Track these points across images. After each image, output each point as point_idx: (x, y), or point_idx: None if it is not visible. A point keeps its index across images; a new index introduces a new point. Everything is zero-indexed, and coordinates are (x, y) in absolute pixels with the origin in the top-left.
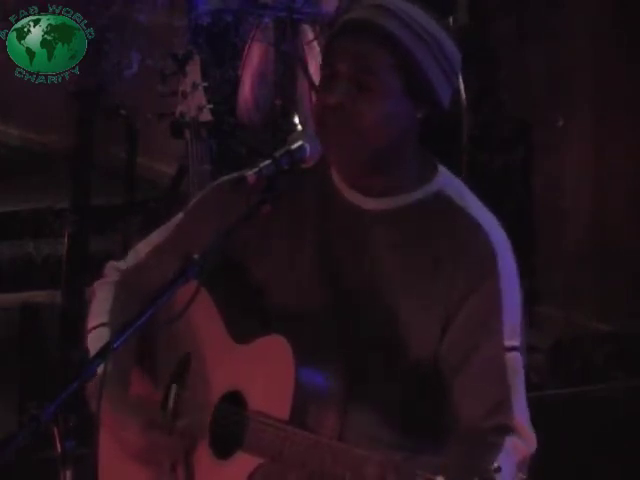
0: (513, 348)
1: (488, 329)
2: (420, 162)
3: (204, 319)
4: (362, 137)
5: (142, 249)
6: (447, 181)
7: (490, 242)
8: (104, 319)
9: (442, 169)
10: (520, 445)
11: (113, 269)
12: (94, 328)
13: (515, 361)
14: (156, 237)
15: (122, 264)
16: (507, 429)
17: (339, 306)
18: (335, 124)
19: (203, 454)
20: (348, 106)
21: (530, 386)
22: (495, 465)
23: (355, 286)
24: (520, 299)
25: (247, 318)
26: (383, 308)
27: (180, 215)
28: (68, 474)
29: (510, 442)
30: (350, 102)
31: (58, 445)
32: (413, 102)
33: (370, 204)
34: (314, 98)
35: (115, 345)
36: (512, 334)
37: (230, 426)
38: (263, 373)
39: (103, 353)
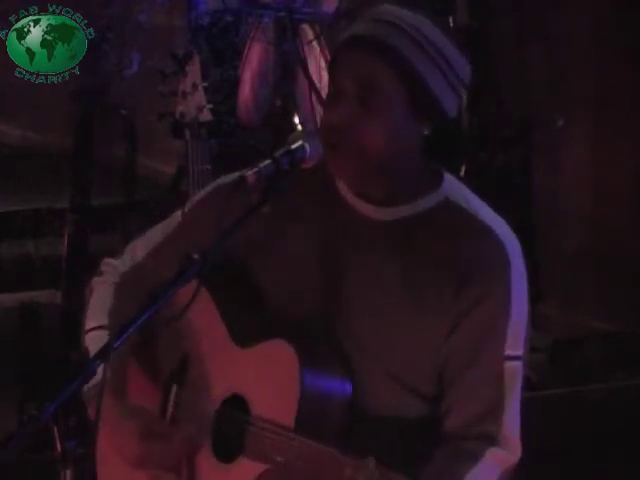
0: (515, 357)
1: (492, 336)
2: (425, 172)
3: (205, 320)
4: (365, 156)
5: (139, 249)
6: (453, 187)
7: (503, 248)
8: (104, 322)
9: (447, 176)
10: (503, 456)
11: (111, 267)
12: (93, 329)
13: (515, 370)
14: (154, 237)
15: (120, 263)
16: (491, 438)
17: (338, 313)
18: (338, 144)
19: (205, 457)
20: (351, 126)
21: (530, 386)
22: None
23: (354, 295)
24: (528, 309)
25: (249, 320)
26: (381, 321)
27: (178, 215)
28: (68, 474)
29: (491, 454)
30: (353, 122)
31: (58, 445)
32: (419, 116)
33: (374, 213)
34: (314, 98)
35: (115, 345)
36: (515, 343)
37: (232, 430)
38: (267, 377)
39: (103, 353)
